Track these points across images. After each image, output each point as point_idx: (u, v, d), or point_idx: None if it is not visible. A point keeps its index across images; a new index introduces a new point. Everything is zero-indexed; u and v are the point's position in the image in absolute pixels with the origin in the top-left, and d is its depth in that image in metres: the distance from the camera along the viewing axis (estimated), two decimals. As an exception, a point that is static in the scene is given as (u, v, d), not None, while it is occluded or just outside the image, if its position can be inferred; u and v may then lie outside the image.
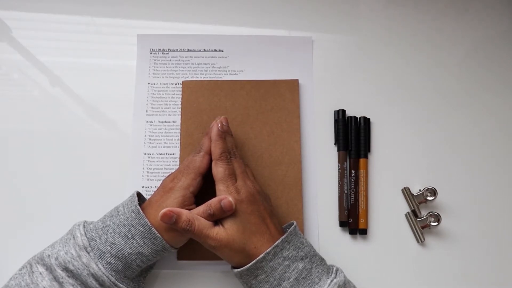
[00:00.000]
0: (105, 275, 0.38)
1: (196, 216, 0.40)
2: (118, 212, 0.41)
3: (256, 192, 0.42)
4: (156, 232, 0.40)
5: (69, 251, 0.39)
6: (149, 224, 0.39)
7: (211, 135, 0.44)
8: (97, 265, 0.38)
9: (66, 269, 0.38)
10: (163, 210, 0.38)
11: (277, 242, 0.40)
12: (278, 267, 0.39)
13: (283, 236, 0.40)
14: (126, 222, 0.40)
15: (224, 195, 0.40)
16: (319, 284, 0.39)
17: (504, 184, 0.51)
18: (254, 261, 0.39)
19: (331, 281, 0.40)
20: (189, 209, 0.41)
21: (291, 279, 0.39)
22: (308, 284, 0.39)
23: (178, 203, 0.41)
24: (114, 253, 0.39)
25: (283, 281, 0.39)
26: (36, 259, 0.40)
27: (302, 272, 0.40)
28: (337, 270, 0.42)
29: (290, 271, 0.39)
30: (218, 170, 0.42)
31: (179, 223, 0.39)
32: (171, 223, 0.39)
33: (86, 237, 0.39)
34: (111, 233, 0.40)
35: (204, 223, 0.40)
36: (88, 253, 0.38)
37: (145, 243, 0.40)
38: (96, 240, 0.39)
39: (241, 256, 0.40)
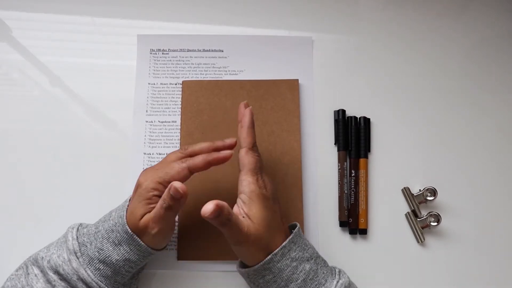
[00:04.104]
0: (94, 281, 0.38)
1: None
2: (110, 216, 0.40)
3: (275, 190, 0.41)
4: (138, 239, 0.38)
5: (62, 255, 0.38)
6: (130, 231, 0.38)
7: (243, 120, 0.40)
8: (86, 271, 0.38)
9: (57, 272, 0.38)
10: (210, 207, 0.33)
11: (284, 243, 0.39)
12: (286, 268, 0.39)
13: (290, 237, 0.40)
14: (114, 228, 0.39)
15: (178, 184, 0.36)
16: (325, 285, 0.39)
17: (504, 184, 0.51)
18: (261, 262, 0.38)
19: (337, 282, 0.39)
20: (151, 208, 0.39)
21: (299, 280, 0.39)
22: (315, 285, 0.39)
23: (144, 205, 0.39)
24: (102, 259, 0.38)
25: (291, 283, 0.39)
26: (31, 260, 0.40)
27: (309, 274, 0.39)
28: (339, 271, 0.41)
29: (297, 272, 0.39)
30: (250, 160, 0.39)
31: (222, 215, 0.34)
32: (217, 217, 0.34)
33: (78, 241, 0.39)
34: (100, 238, 0.39)
35: (236, 214, 0.36)
36: (78, 258, 0.38)
37: (131, 250, 0.39)
38: (86, 246, 0.39)
39: (262, 254, 0.38)
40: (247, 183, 0.39)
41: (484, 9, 0.57)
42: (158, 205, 0.38)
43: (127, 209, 0.40)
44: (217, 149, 0.41)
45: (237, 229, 0.36)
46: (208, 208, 0.33)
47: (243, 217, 0.38)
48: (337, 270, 0.42)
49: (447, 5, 0.57)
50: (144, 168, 0.49)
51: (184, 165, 0.39)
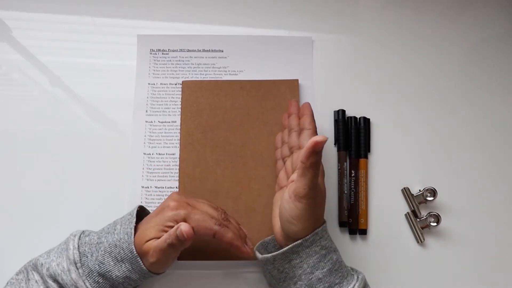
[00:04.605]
0: None
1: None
2: (115, 229, 0.40)
3: None
4: (140, 262, 0.38)
5: (61, 263, 0.38)
6: (135, 252, 0.38)
7: (306, 109, 0.45)
8: (84, 283, 0.37)
9: (56, 281, 0.38)
10: (323, 136, 0.35)
11: (317, 230, 0.39)
12: (314, 255, 0.39)
13: (323, 225, 0.41)
14: (118, 243, 0.38)
15: (186, 228, 0.37)
16: (347, 279, 0.40)
17: (504, 184, 0.51)
18: (291, 245, 0.39)
19: (358, 276, 0.40)
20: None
21: (325, 269, 0.39)
22: (339, 276, 0.39)
23: (157, 231, 0.38)
24: (102, 273, 0.38)
25: (317, 270, 0.39)
26: (31, 265, 0.39)
27: (336, 264, 0.40)
28: (352, 268, 0.43)
29: (325, 261, 0.39)
30: (319, 160, 0.39)
31: (321, 154, 0.36)
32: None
33: (79, 251, 0.38)
34: (102, 251, 0.38)
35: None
36: (78, 269, 0.38)
37: (133, 269, 0.38)
38: (87, 257, 0.38)
39: (311, 225, 0.39)
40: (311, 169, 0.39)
41: (484, 9, 0.57)
42: (163, 238, 0.38)
43: (135, 226, 0.39)
44: (241, 237, 0.42)
45: (317, 178, 0.37)
46: (323, 137, 0.35)
47: None
48: (349, 267, 0.43)
49: (447, 5, 0.57)
50: (144, 169, 0.49)
51: (215, 229, 0.39)
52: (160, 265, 0.39)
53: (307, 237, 0.39)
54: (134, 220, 0.40)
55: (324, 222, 0.42)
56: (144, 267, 0.38)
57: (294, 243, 0.39)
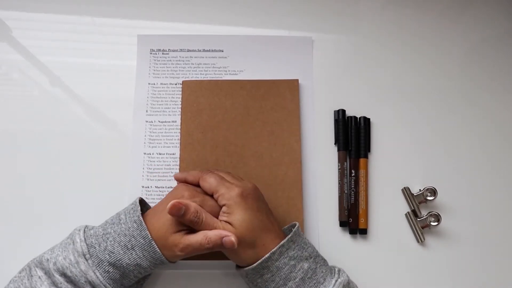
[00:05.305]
0: (102, 283, 0.38)
1: (203, 209, 0.39)
2: (120, 220, 0.40)
3: (256, 188, 0.42)
4: (156, 246, 0.38)
5: (68, 257, 0.38)
6: (149, 237, 0.38)
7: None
8: (94, 273, 0.38)
9: (64, 275, 0.38)
10: (172, 202, 0.37)
11: (282, 242, 0.39)
12: (284, 266, 0.39)
13: (289, 236, 0.40)
14: (127, 232, 0.39)
15: (226, 233, 0.38)
16: (324, 284, 0.39)
17: (504, 184, 0.51)
18: (259, 261, 0.39)
19: (336, 281, 0.40)
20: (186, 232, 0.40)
21: (297, 279, 0.39)
22: (314, 284, 0.39)
23: (179, 222, 0.39)
24: (113, 262, 0.38)
25: (289, 281, 0.39)
26: (35, 262, 0.39)
27: (308, 272, 0.39)
28: (339, 270, 0.42)
29: (296, 271, 0.39)
30: (210, 180, 0.41)
31: (187, 214, 0.38)
32: (179, 215, 0.38)
33: (86, 243, 0.39)
34: (111, 241, 0.39)
35: (211, 217, 0.39)
36: (87, 260, 0.38)
37: (144, 256, 0.39)
38: (95, 247, 0.39)
39: (250, 254, 0.39)
40: (221, 198, 0.40)
41: (484, 9, 0.57)
42: (198, 239, 0.38)
43: (142, 214, 0.40)
44: None
45: (213, 228, 0.39)
46: (167, 205, 0.37)
47: (223, 222, 0.39)
48: (336, 269, 0.42)
49: (447, 5, 0.57)
50: (144, 169, 0.49)
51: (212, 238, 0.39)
52: (183, 258, 0.40)
53: (274, 250, 0.39)
54: (138, 208, 0.40)
55: (291, 231, 0.41)
56: (159, 251, 0.38)
57: (262, 259, 0.39)
